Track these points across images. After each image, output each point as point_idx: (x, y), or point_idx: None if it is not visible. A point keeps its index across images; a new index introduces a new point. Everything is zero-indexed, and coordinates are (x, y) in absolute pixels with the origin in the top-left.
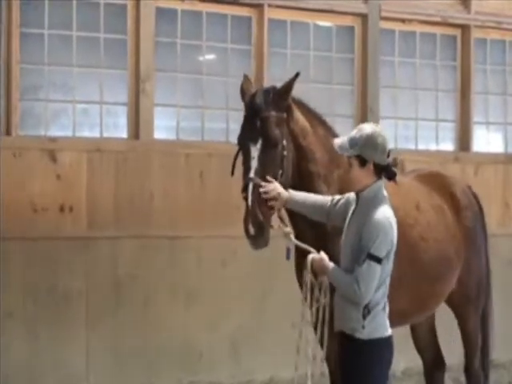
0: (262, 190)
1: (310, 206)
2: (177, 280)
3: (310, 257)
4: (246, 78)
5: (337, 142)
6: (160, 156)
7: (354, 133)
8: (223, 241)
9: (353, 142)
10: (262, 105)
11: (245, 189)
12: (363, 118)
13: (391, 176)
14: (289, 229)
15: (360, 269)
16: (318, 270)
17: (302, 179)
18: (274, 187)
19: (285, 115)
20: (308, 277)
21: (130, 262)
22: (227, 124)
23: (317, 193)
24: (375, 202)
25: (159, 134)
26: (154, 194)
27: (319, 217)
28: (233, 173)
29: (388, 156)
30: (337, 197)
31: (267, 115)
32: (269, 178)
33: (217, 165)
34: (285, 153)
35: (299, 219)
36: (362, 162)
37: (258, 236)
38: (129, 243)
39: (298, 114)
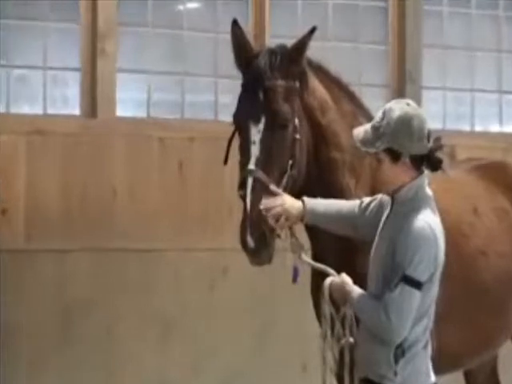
0: (262, 206)
1: (334, 217)
2: (148, 307)
3: (328, 281)
4: (235, 26)
5: (357, 134)
6: (125, 140)
7: (377, 118)
8: (210, 255)
9: (379, 132)
10: (267, 70)
11: (242, 185)
12: (400, 88)
13: (436, 165)
14: (298, 241)
15: (391, 295)
16: (338, 299)
17: (321, 170)
18: (281, 201)
19: (297, 85)
20: (327, 308)
21: (84, 283)
22: (216, 96)
23: (340, 188)
24: (414, 204)
25: (124, 111)
26: (116, 191)
27: (345, 230)
28: (226, 162)
29: (428, 140)
30: (366, 199)
31: (273, 85)
32: (274, 171)
33: (202, 152)
34: (297, 136)
35: (318, 227)
36: (395, 156)
37: (260, 250)
38: (82, 258)
39: (315, 83)
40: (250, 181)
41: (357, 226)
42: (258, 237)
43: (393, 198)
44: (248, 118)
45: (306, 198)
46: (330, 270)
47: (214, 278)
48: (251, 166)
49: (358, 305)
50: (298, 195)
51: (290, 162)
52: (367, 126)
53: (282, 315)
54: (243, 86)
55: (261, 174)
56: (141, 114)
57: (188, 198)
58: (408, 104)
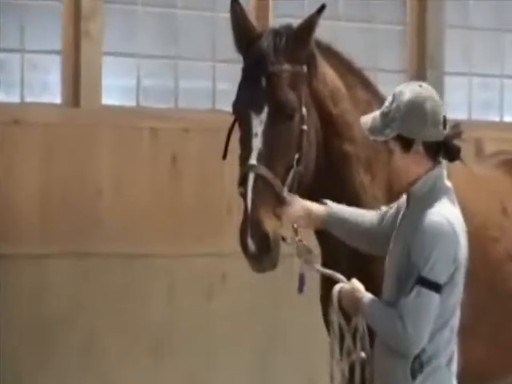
0: (284, 216)
1: (354, 227)
2: (137, 320)
3: (337, 288)
4: (235, 4)
5: (365, 122)
6: (112, 132)
7: (387, 103)
8: (207, 260)
9: (388, 118)
10: (270, 54)
11: (243, 182)
12: (420, 74)
13: (454, 154)
14: (306, 244)
15: (407, 300)
16: (348, 308)
17: (333, 165)
18: (295, 207)
19: (304, 70)
20: (335, 318)
21: (63, 293)
22: (213, 83)
23: (354, 185)
24: (431, 198)
25: (110, 99)
26: (102, 189)
27: (362, 243)
28: (225, 156)
29: (444, 126)
30: (383, 208)
31: (278, 70)
32: (278, 168)
33: (198, 145)
34: (304, 127)
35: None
36: (406, 144)
37: (262, 255)
38: (62, 265)
39: (325, 68)
40: (251, 177)
41: (373, 239)
42: (260, 240)
43: (408, 195)
44: (249, 108)
45: (329, 203)
46: (340, 276)
47: (212, 287)
48: (252, 161)
49: (369, 313)
50: (306, 193)
51: (297, 155)
52: (376, 113)
53: (288, 327)
54: (244, 71)
55: (263, 170)
56: (129, 102)
57: (182, 197)
58: (420, 85)
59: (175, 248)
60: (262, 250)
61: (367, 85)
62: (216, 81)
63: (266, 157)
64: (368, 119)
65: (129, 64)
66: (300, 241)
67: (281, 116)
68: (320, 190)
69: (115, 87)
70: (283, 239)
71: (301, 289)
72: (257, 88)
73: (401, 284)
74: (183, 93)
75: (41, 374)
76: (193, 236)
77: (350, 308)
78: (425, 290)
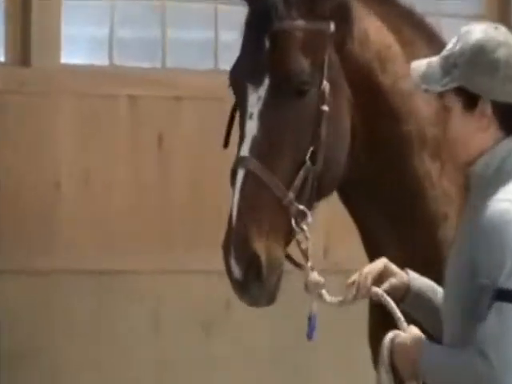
0: (363, 275)
1: (430, 304)
2: (113, 358)
3: (390, 337)
4: None
5: (417, 67)
6: (74, 101)
7: (450, 44)
8: (205, 281)
9: (448, 64)
10: (279, 3)
11: (233, 178)
12: (503, 20)
13: None
14: (318, 277)
15: (485, 325)
16: (402, 369)
17: (380, 157)
18: (370, 269)
19: (331, 27)
20: (385, 378)
21: (15, 321)
22: (215, 33)
23: (414, 179)
24: (499, 180)
25: (73, 56)
26: (60, 182)
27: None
28: (226, 145)
29: None
30: None
31: (287, 27)
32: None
33: (193, 120)
34: (324, 107)
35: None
36: (470, 101)
37: (250, 284)
38: (11, 284)
39: (368, 22)
40: (240, 174)
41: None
42: (246, 263)
43: (467, 178)
44: (246, 79)
45: (410, 272)
46: (397, 312)
47: (212, 316)
48: (243, 152)
49: (433, 370)
50: (343, 200)
51: (311, 148)
52: (433, 58)
53: (317, 372)
54: (245, 25)
55: (256, 165)
56: (99, 60)
57: (172, 192)
58: (496, 28)
59: (162, 262)
60: (249, 277)
61: (432, 39)
62: (218, 30)
63: (262, 147)
64: (421, 64)
65: (98, 8)
66: (311, 269)
67: (287, 91)
68: (361, 194)
69: (79, 39)
70: (299, 266)
71: (310, 335)
72: (257, 51)
73: (467, 309)
74: (173, 46)
75: None
76: (185, 246)
77: (403, 369)
78: (507, 305)
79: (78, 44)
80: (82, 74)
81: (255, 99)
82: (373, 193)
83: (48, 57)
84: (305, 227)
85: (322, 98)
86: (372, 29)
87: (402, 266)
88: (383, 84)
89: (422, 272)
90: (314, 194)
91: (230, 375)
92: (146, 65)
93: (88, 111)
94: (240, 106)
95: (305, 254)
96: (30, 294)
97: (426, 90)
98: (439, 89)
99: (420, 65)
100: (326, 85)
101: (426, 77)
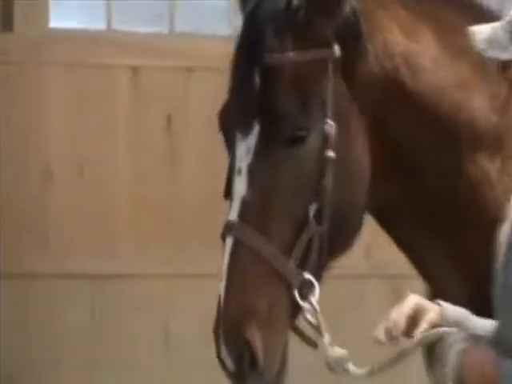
0: (390, 321)
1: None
2: (117, 378)
3: (456, 351)
4: None
5: (477, 32)
6: (66, 73)
7: None
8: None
9: None
10: (270, 30)
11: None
12: None
13: None
14: (341, 350)
15: None
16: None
17: (420, 178)
18: (411, 305)
19: (335, 52)
20: None
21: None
22: None
23: (468, 185)
24: None
25: (63, 19)
26: (51, 170)
27: None
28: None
29: None
30: None
31: (276, 62)
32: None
33: (208, 95)
34: (328, 153)
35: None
36: None
37: (245, 377)
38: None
39: (386, 25)
40: (228, 244)
41: None
42: (240, 352)
43: None
44: (233, 125)
45: (441, 302)
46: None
47: None
48: (231, 216)
49: None
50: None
51: (315, 205)
52: (495, 23)
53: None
54: (233, 59)
55: (247, 233)
56: (95, 23)
57: (182, 182)
58: None
59: (170, 264)
60: (243, 369)
61: (483, 17)
62: None
63: (252, 209)
64: (483, 29)
65: None
66: (330, 345)
67: (281, 139)
68: (402, 224)
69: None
70: (307, 341)
71: None
72: (245, 92)
73: None
74: (183, 9)
75: None
76: (197, 247)
77: None
78: None
79: (70, 5)
80: (74, 41)
81: (244, 151)
82: (417, 220)
83: (34, 20)
84: (313, 300)
85: (325, 143)
86: (393, 28)
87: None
88: (416, 91)
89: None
90: (323, 258)
91: None
92: (149, 29)
93: (82, 85)
94: (229, 157)
95: (318, 330)
96: (15, 301)
97: (492, 57)
98: (507, 56)
99: (482, 29)
100: (330, 126)
101: (490, 41)
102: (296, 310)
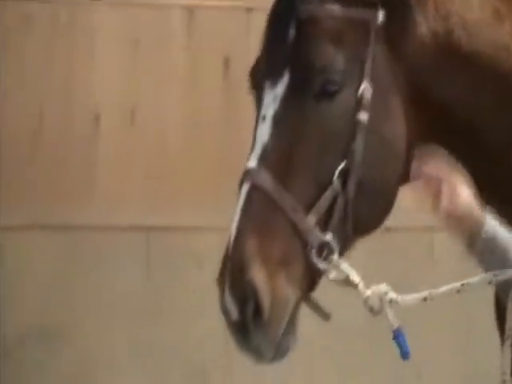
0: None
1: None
2: (166, 337)
3: None
4: None
5: None
6: (114, 12)
7: None
8: None
9: None
10: None
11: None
12: None
13: None
14: (378, 286)
15: None
16: None
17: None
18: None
19: (378, 16)
20: None
21: (39, 287)
22: None
23: None
24: None
25: None
26: (100, 115)
27: None
28: None
29: None
30: None
31: (317, 13)
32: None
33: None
34: (361, 116)
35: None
36: None
37: (250, 328)
38: (33, 239)
39: None
40: (244, 188)
41: None
42: (244, 296)
43: None
44: (263, 74)
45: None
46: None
47: None
48: (251, 163)
49: None
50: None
51: (341, 165)
52: None
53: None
54: (270, 14)
55: (265, 180)
56: None
57: (239, 130)
58: None
59: (224, 218)
60: (246, 318)
61: None
62: None
63: (274, 157)
64: None
65: None
66: (365, 287)
67: (310, 91)
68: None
69: None
70: (321, 313)
71: (404, 354)
72: (279, 43)
73: None
74: None
75: None
76: None
77: None
78: None
79: None
80: None
81: (271, 98)
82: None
83: None
84: (334, 257)
85: (358, 104)
86: None
87: None
88: (474, 52)
89: None
90: (347, 226)
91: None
92: None
93: (133, 26)
94: (256, 107)
95: (348, 282)
96: (62, 254)
97: None
98: None
99: None
100: (366, 88)
101: None
102: (312, 273)
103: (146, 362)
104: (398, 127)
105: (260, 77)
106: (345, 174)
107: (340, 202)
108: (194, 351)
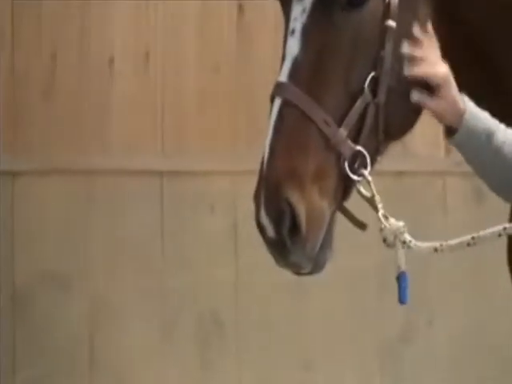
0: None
1: (494, 148)
2: (179, 284)
3: None
4: None
5: None
6: None
7: None
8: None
9: None
10: None
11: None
12: None
13: None
14: (397, 222)
15: None
16: None
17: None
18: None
19: None
20: None
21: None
22: None
23: None
24: None
25: None
26: (113, 57)
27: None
28: None
29: None
30: None
31: None
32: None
33: None
34: (389, 22)
35: None
36: None
37: (286, 244)
38: (29, 185)
39: None
40: (276, 104)
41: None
42: (280, 213)
43: None
44: None
45: (467, 100)
46: None
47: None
48: (282, 78)
49: None
50: None
51: (372, 74)
52: None
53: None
54: None
55: (296, 95)
56: None
57: (253, 74)
58: None
59: (241, 162)
60: (283, 233)
61: None
62: None
63: (304, 71)
64: None
65: None
66: (385, 217)
67: (338, 2)
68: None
69: None
70: (356, 222)
71: (403, 298)
72: None
73: None
74: None
75: None
76: None
77: None
78: None
79: None
80: None
81: (299, 12)
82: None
83: None
84: (365, 172)
85: (387, 11)
86: None
87: None
88: None
89: None
90: (378, 134)
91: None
92: None
93: None
94: (285, 21)
95: (372, 202)
96: (76, 199)
97: None
98: None
99: None
100: None
101: None
102: (346, 184)
103: (157, 308)
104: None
105: None
106: (375, 82)
107: (371, 110)
108: (205, 296)
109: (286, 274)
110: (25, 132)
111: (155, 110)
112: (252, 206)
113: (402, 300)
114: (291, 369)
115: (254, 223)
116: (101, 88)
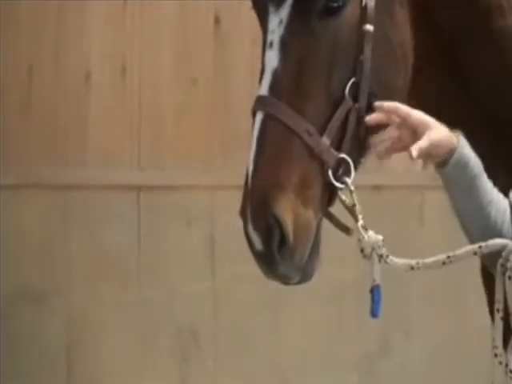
0: (367, 118)
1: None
2: (158, 296)
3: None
4: None
5: None
6: None
7: None
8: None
9: None
10: None
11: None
12: None
13: None
14: (376, 236)
15: None
16: None
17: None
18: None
19: None
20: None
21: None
22: None
23: None
24: None
25: None
26: (90, 71)
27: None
28: None
29: None
30: None
31: None
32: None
33: None
34: (366, 27)
35: None
36: None
37: (276, 256)
38: (9, 199)
39: None
40: (258, 118)
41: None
42: (268, 228)
43: None
44: None
45: (462, 138)
46: None
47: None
48: (262, 91)
49: None
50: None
51: (352, 80)
52: None
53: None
54: None
55: (278, 108)
56: None
57: (230, 86)
58: None
59: (218, 176)
60: (271, 247)
61: None
62: None
63: (284, 83)
64: None
65: None
66: (364, 228)
67: (315, 10)
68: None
69: None
70: (340, 226)
71: (375, 311)
72: None
73: None
74: None
75: None
76: (245, 157)
77: None
78: None
79: None
80: None
81: (276, 23)
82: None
83: None
84: (348, 180)
85: (363, 15)
86: None
87: None
88: None
89: None
90: (360, 140)
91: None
92: None
93: None
94: (262, 33)
95: (352, 212)
96: (52, 213)
97: None
98: None
99: None
100: None
101: None
102: (330, 191)
103: (135, 322)
104: (403, 34)
105: (263, 1)
106: (356, 88)
107: (352, 116)
108: (182, 311)
109: (264, 289)
110: (3, 148)
111: (132, 123)
112: (228, 220)
113: (373, 313)
114: (269, 383)
115: (230, 237)
116: (78, 101)
